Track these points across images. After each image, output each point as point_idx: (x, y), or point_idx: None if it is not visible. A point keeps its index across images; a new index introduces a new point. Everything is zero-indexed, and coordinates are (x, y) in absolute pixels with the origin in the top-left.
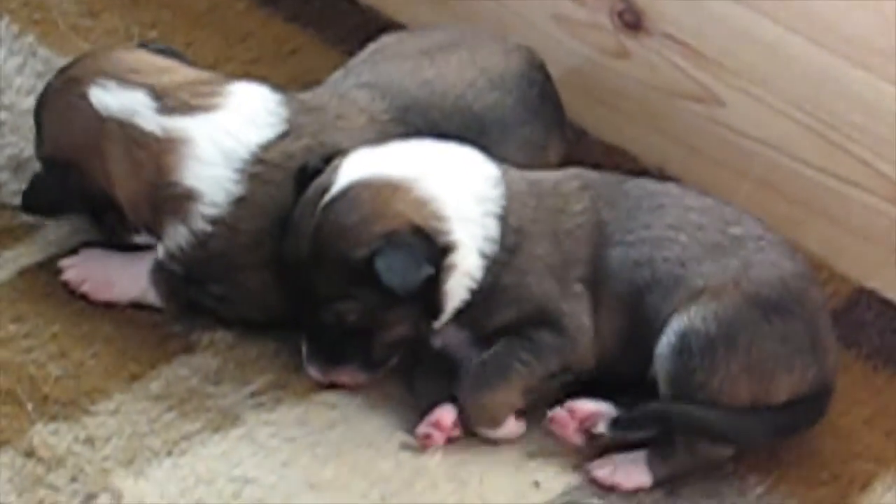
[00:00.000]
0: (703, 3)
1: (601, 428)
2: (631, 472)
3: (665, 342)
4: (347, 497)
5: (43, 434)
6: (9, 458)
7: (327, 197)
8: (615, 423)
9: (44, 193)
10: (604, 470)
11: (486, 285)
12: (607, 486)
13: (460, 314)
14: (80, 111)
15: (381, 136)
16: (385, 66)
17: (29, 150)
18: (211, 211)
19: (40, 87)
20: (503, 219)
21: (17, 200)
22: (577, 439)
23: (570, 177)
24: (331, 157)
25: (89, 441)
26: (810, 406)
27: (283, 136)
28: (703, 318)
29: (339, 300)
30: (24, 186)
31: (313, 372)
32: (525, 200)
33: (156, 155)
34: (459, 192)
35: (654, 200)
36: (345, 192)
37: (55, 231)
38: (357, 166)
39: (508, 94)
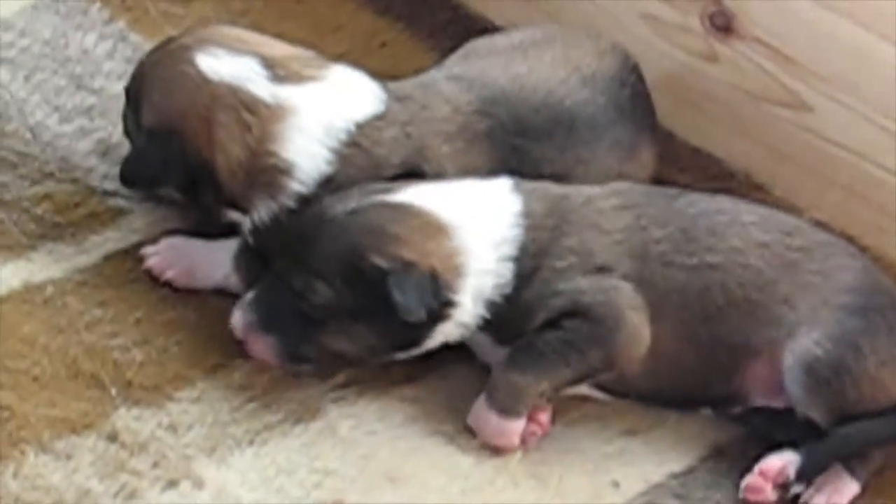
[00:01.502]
0: (795, 9)
1: (792, 475)
2: (840, 487)
3: (796, 388)
4: (427, 492)
5: (126, 419)
6: (92, 442)
7: (385, 197)
8: (803, 473)
9: (144, 165)
10: (819, 498)
11: (500, 308)
12: None
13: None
14: (189, 78)
15: (464, 128)
16: (477, 60)
17: (117, 134)
18: (299, 188)
19: (130, 72)
20: (518, 259)
21: (105, 185)
22: (774, 497)
23: (609, 193)
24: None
25: (172, 428)
26: None
27: (378, 118)
28: (818, 344)
29: (322, 280)
30: (112, 170)
31: (237, 317)
32: (544, 222)
33: (264, 121)
34: (486, 242)
35: (711, 220)
36: (400, 206)
37: (141, 218)
38: (424, 193)
39: (600, 94)
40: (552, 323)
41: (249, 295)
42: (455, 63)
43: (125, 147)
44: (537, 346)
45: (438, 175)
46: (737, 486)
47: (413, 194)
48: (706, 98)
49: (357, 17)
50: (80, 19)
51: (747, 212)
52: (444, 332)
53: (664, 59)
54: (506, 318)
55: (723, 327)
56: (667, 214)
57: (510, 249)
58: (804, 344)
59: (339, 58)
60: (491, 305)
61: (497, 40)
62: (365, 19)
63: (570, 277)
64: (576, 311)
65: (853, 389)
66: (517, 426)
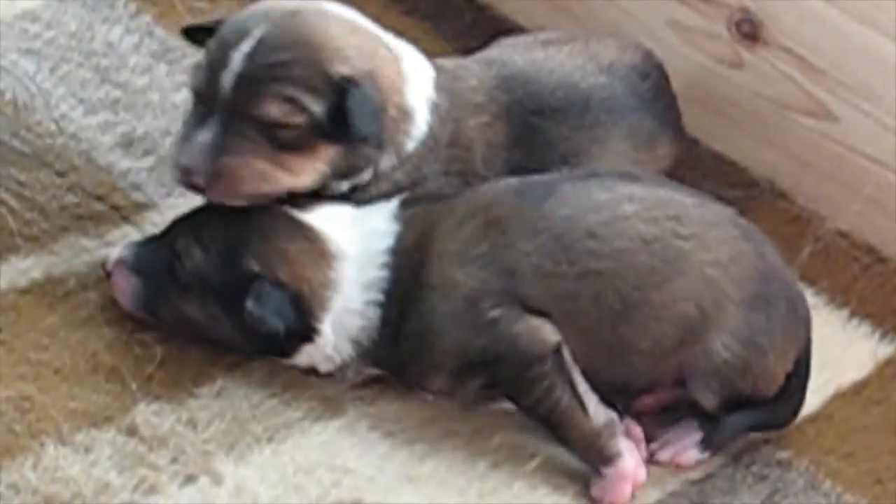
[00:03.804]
0: (822, 18)
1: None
2: (687, 449)
3: (701, 386)
4: (445, 493)
5: (146, 413)
6: (111, 436)
7: (295, 212)
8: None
9: (369, 108)
10: (664, 453)
11: (381, 353)
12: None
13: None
14: (356, 29)
15: (489, 101)
16: (499, 48)
17: (141, 128)
18: (411, 144)
19: (155, 66)
20: (384, 304)
21: (128, 179)
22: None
23: (476, 210)
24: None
25: (191, 423)
26: (805, 362)
27: (434, 77)
28: (725, 347)
29: (202, 250)
30: (136, 164)
31: (114, 250)
32: (409, 260)
33: (397, 63)
34: (357, 283)
35: (587, 220)
36: (301, 225)
37: (162, 213)
38: (330, 217)
39: (619, 81)
40: (486, 385)
41: (140, 238)
42: (478, 53)
43: (149, 141)
44: (536, 420)
45: (468, 148)
46: (755, 493)
47: (321, 216)
48: (731, 105)
49: (383, 17)
50: (107, 12)
51: (628, 200)
52: (310, 355)
53: (690, 65)
54: (397, 364)
55: (628, 331)
56: (535, 223)
57: (377, 294)
58: (714, 347)
59: None
60: (360, 346)
61: (524, 37)
62: (391, 19)
63: (443, 328)
64: (477, 366)
65: (750, 384)
66: (628, 463)
